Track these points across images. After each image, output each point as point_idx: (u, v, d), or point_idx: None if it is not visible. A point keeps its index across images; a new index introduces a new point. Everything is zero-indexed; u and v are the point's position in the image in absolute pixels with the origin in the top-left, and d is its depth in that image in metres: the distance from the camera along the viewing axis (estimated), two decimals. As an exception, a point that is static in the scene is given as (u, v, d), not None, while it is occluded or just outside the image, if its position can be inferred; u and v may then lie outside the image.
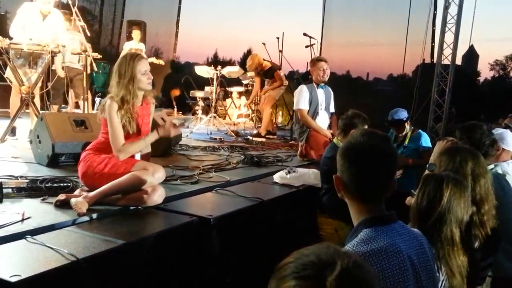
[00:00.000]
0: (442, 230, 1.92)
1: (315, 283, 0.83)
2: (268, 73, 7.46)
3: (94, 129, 3.93)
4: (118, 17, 12.19)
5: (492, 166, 2.85)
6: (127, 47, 8.64)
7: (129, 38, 9.18)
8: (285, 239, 3.43)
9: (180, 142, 5.39)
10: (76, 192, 2.90)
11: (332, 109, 5.45)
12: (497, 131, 3.25)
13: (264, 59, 7.62)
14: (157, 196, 2.88)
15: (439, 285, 1.89)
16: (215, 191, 3.52)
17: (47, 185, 3.02)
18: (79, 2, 6.33)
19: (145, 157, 3.25)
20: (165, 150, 4.77)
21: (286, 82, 7.49)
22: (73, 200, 2.65)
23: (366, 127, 3.54)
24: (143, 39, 9.17)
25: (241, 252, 3.01)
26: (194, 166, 4.23)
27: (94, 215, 2.62)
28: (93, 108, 6.82)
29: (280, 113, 10.68)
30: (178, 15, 11.73)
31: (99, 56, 6.27)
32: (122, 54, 7.25)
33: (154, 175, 2.87)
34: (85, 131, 4.03)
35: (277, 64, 7.63)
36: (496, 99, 25.06)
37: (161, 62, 9.29)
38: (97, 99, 8.13)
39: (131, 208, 2.81)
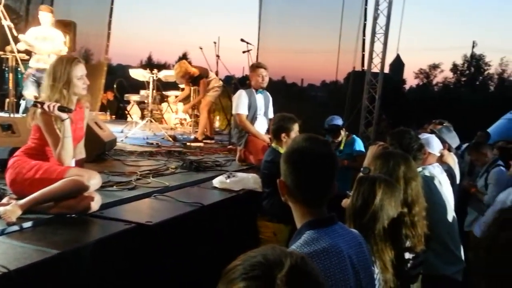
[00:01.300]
0: (375, 227, 2.05)
1: (264, 282, 0.85)
2: (196, 81, 7.21)
3: (22, 134, 3.73)
4: (46, 16, 11.56)
5: (420, 169, 3.02)
6: (32, 34, 6.45)
7: None
8: (227, 243, 3.43)
9: (115, 147, 5.22)
10: (4, 201, 2.74)
11: (270, 114, 5.53)
12: (423, 136, 3.47)
13: (193, 66, 7.35)
14: (93, 203, 2.78)
15: (374, 277, 2.00)
16: (154, 196, 3.45)
17: (-29, 193, 2.82)
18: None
19: (79, 163, 3.13)
20: (98, 155, 4.61)
21: (219, 84, 7.17)
22: (1, 209, 2.49)
23: (296, 125, 3.67)
24: (73, 40, 8.57)
25: (183, 258, 2.98)
26: (130, 172, 4.11)
27: (25, 224, 2.47)
28: (17, 111, 6.40)
29: (217, 117, 10.66)
30: (110, 16, 11.36)
31: (27, 57, 5.94)
32: (22, 43, 6.42)
33: (90, 181, 2.76)
34: (13, 136, 3.82)
35: (207, 70, 7.31)
36: (421, 106, 26.73)
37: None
38: (23, 102, 7.68)
39: (66, 216, 2.68)
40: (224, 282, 0.89)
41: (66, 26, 8.46)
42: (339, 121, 5.06)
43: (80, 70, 2.97)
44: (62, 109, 2.84)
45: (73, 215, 2.71)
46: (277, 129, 3.70)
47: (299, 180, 1.55)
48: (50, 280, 2.10)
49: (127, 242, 2.63)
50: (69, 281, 2.21)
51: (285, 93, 17.24)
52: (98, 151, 4.59)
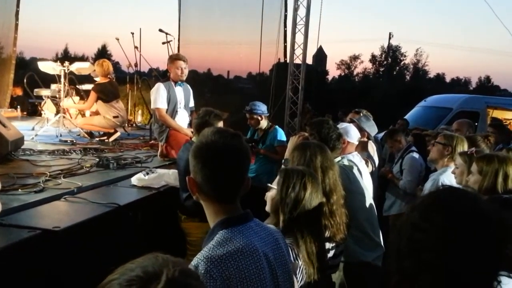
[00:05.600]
0: (302, 221, 2.04)
1: None
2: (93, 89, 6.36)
3: None
4: None
5: (339, 158, 3.05)
6: None
7: None
8: (149, 244, 3.26)
9: (23, 146, 4.80)
10: None
11: (192, 106, 5.37)
12: (342, 125, 3.51)
13: (108, 82, 6.42)
14: (-9, 210, 2.51)
15: (298, 271, 1.97)
16: (64, 199, 3.20)
17: None
18: None
19: (-26, 166, 2.82)
20: (3, 156, 4.21)
21: (123, 113, 6.47)
22: None
23: (220, 123, 3.54)
24: None
25: (98, 265, 2.76)
26: (39, 173, 3.79)
27: None
28: None
29: (140, 112, 10.29)
30: (18, 6, 10.48)
31: None
32: None
33: (-15, 186, 2.50)
34: None
35: (115, 93, 6.50)
36: (344, 96, 27.82)
37: None
38: None
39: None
40: None
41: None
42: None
43: None
44: None
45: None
46: (201, 123, 3.50)
47: (209, 175, 1.47)
48: None
49: (32, 251, 2.39)
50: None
51: (212, 86, 17.08)
52: (2, 152, 4.20)
